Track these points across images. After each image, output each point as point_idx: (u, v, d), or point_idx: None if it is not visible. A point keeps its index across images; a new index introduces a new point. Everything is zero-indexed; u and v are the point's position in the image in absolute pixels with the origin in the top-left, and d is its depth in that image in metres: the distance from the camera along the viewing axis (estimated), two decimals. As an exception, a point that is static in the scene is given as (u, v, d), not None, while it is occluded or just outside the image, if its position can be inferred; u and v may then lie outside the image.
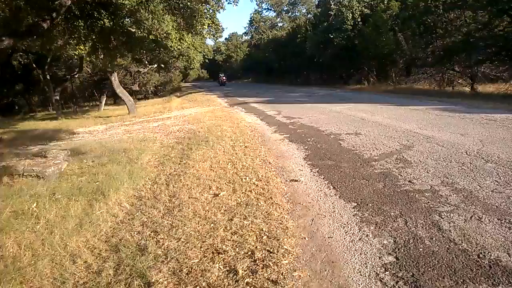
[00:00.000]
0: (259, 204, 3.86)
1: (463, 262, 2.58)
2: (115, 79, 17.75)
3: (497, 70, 18.32)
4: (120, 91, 18.05)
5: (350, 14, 25.76)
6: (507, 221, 3.11)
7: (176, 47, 10.11)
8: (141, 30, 8.36)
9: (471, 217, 3.23)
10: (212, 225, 3.44)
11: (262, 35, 53.61)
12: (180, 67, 32.80)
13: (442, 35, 18.25)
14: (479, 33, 15.37)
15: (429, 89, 19.03)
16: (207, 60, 36.93)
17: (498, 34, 14.64)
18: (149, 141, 7.95)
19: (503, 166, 4.54)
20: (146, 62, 19.61)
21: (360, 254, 2.82)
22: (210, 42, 52.75)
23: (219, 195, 4.19)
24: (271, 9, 57.84)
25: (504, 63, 16.78)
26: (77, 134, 11.44)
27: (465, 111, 9.22)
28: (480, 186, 3.92)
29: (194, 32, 9.95)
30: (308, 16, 46.42)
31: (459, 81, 19.30)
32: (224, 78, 44.34)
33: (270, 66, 45.89)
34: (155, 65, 24.33)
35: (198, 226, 3.44)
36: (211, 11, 10.01)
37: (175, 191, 4.53)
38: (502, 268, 2.48)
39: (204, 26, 9.73)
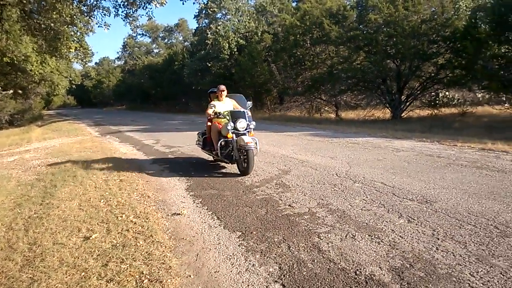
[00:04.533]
0: (138, 244, 3.53)
1: (343, 281, 2.68)
2: (-42, 108, 15.30)
3: (356, 99, 20.93)
4: (-36, 122, 15.59)
5: (227, 44, 26.76)
6: (376, 236, 3.37)
7: (37, 71, 9.22)
8: (-7, 52, 7.39)
9: (346, 236, 3.43)
10: (83, 273, 3.01)
11: (137, 60, 52.24)
12: (42, 93, 29.77)
13: (310, 67, 20.12)
14: (341, 66, 17.35)
15: (300, 116, 20.66)
16: (74, 86, 34.37)
17: (356, 67, 16.69)
18: (2, 179, 6.85)
19: (368, 186, 5.02)
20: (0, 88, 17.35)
21: (248, 285, 2.74)
22: (78, 66, 49.29)
23: (91, 238, 3.72)
24: (146, 35, 57.12)
25: (361, 93, 19.27)
26: None
27: (333, 136, 10.12)
28: (351, 206, 4.23)
29: (58, 56, 9.16)
30: (185, 43, 46.99)
31: (326, 109, 21.51)
32: None
33: (147, 93, 44.26)
34: (11, 91, 21.65)
35: (66, 277, 2.97)
36: (78, 33, 9.36)
37: (36, 237, 3.89)
38: (376, 282, 2.63)
39: (70, 49, 9.01)
